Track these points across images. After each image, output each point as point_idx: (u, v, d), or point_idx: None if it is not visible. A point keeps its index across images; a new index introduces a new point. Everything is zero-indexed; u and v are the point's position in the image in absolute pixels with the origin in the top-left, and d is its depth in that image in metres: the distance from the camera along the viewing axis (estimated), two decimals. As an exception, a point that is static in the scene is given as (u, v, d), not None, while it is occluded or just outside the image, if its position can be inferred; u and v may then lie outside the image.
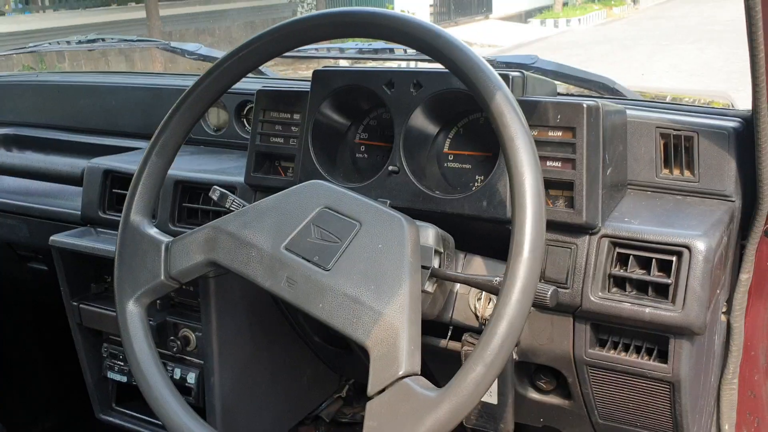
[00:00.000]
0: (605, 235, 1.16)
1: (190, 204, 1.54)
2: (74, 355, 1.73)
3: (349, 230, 1.06)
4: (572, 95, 1.55)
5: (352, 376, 1.92)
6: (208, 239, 1.14)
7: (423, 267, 1.06)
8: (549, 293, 1.01)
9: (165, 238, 1.17)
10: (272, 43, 1.12)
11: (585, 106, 1.14)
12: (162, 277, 1.15)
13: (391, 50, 1.73)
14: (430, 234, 1.11)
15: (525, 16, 19.52)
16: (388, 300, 0.98)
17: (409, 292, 0.98)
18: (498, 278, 1.01)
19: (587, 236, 1.17)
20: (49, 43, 2.10)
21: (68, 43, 2.13)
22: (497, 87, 0.95)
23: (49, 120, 2.05)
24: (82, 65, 10.28)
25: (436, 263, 1.12)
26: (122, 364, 1.64)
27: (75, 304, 1.64)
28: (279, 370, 1.65)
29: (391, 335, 0.95)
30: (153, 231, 1.18)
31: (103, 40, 2.04)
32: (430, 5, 16.79)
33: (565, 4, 20.44)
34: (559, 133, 1.16)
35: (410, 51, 1.72)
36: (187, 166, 1.57)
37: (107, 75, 2.23)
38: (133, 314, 1.15)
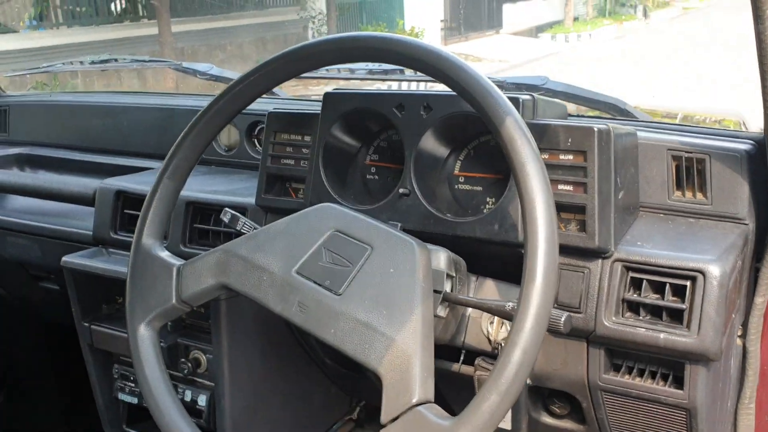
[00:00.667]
0: (618, 259, 1.15)
1: (202, 225, 1.54)
2: (85, 375, 1.73)
3: (360, 254, 1.05)
4: (583, 116, 1.54)
5: (363, 398, 1.91)
6: (219, 263, 1.14)
7: (435, 291, 1.06)
8: (563, 319, 1.00)
9: (176, 262, 1.17)
10: (284, 67, 1.13)
11: (596, 129, 1.14)
12: (173, 301, 1.15)
13: (402, 71, 1.74)
14: (441, 258, 1.11)
15: (536, 31, 19.54)
16: (401, 326, 0.97)
17: (422, 318, 0.98)
18: (511, 303, 1.01)
19: (600, 260, 1.16)
20: (63, 63, 2.12)
21: (81, 63, 2.15)
22: (507, 112, 0.95)
23: (62, 140, 2.07)
24: (94, 81, 10.35)
25: (448, 287, 1.11)
26: (133, 385, 1.64)
27: (86, 325, 1.64)
28: (290, 392, 1.65)
29: (404, 362, 0.95)
30: (164, 254, 1.18)
31: (115, 60, 2.05)
32: (441, 20, 16.83)
33: (575, 19, 20.45)
34: (570, 157, 1.16)
35: (420, 74, 1.72)
36: (199, 187, 1.58)
37: (120, 95, 2.24)
38: (145, 338, 1.15)
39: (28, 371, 2.28)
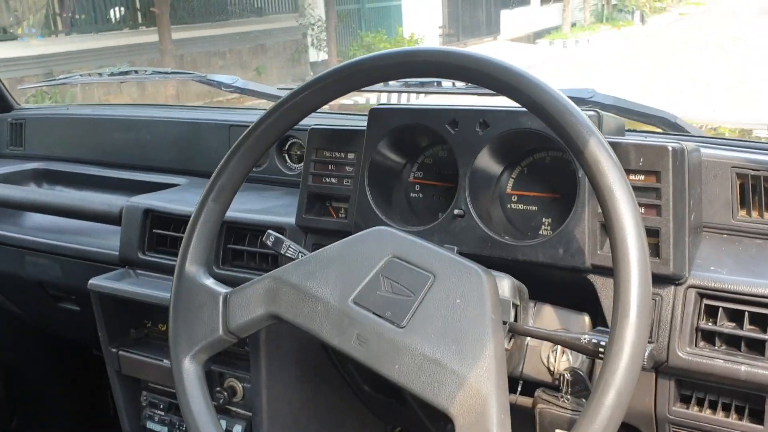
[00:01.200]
0: (692, 286, 1.09)
1: (236, 246, 1.48)
2: (106, 400, 1.66)
3: (422, 283, 0.99)
4: (635, 131, 1.48)
5: (399, 425, 1.84)
6: (268, 291, 1.07)
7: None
8: (646, 354, 0.93)
9: (223, 290, 1.10)
10: (343, 81, 1.05)
11: (670, 149, 1.07)
12: (220, 332, 1.08)
13: (439, 83, 1.67)
14: (506, 285, 1.04)
15: (533, 37, 19.51)
16: (472, 362, 0.90)
17: (494, 353, 0.91)
18: (587, 336, 0.95)
19: (673, 287, 1.09)
20: (80, 75, 2.06)
21: (100, 75, 2.08)
22: (590, 132, 0.88)
23: (81, 154, 2.00)
24: (94, 90, 10.27)
25: (512, 316, 1.05)
26: (162, 413, 1.56)
27: (114, 350, 1.57)
28: (325, 419, 1.58)
29: (479, 403, 0.88)
30: (210, 282, 1.11)
31: (135, 72, 1.98)
32: (440, 27, 16.79)
33: (573, 25, 20.43)
34: (642, 177, 1.09)
35: (459, 85, 1.66)
36: (232, 205, 1.51)
37: (140, 108, 2.18)
38: (190, 373, 1.08)
39: (44, 395, 2.20)
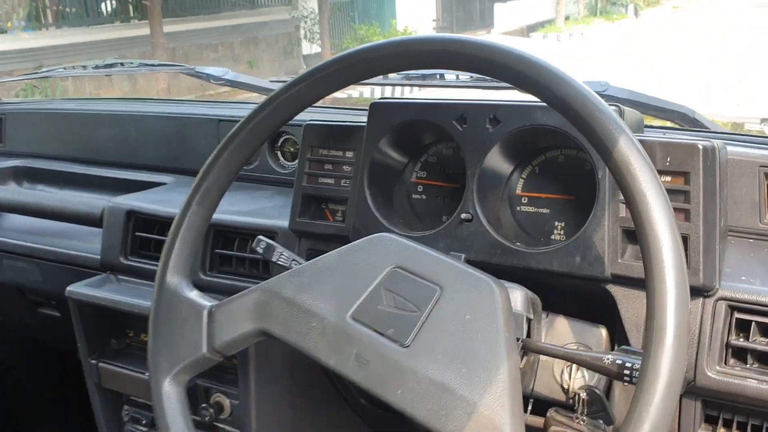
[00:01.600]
0: (722, 298, 0.99)
1: (224, 250, 1.38)
2: (89, 409, 1.55)
3: (428, 296, 0.89)
4: (651, 127, 1.38)
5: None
6: (258, 304, 0.97)
7: None
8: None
9: (207, 303, 1.00)
10: (346, 71, 0.95)
11: (701, 147, 0.98)
12: (204, 350, 0.98)
13: (442, 76, 1.57)
14: (519, 297, 0.95)
15: (527, 30, 19.41)
16: (485, 387, 0.81)
17: (509, 377, 0.82)
18: (609, 357, 0.85)
19: (701, 299, 1.00)
20: (64, 68, 1.95)
21: (84, 68, 1.97)
22: (620, 129, 0.79)
23: (64, 151, 1.89)
24: (85, 84, 10.13)
25: (525, 332, 0.95)
26: (145, 429, 1.46)
27: (93, 362, 1.46)
28: (320, 434, 1.48)
29: None
30: (193, 294, 1.01)
31: (121, 64, 1.88)
32: (434, 20, 16.69)
33: (567, 18, 20.33)
34: (668, 179, 1.00)
35: (463, 77, 1.56)
36: (219, 206, 1.41)
37: (127, 102, 2.07)
38: (170, 396, 0.98)
39: (26, 403, 2.10)
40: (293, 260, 1.11)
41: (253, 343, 1.00)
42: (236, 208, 1.41)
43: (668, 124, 1.49)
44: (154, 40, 10.07)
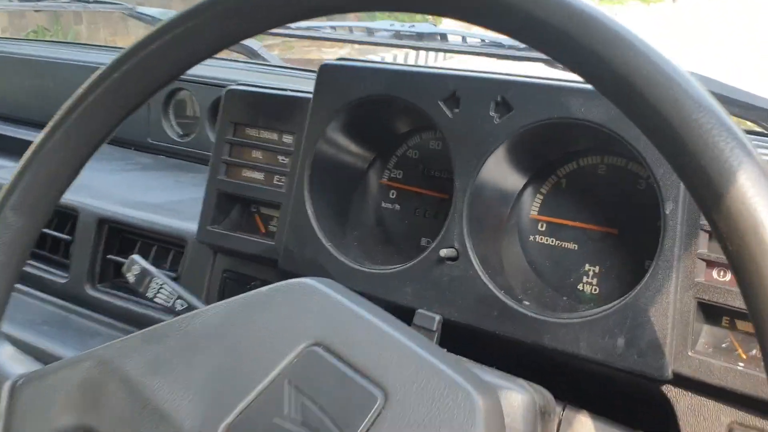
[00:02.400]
0: None
1: (120, 257, 0.99)
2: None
3: (362, 408, 0.49)
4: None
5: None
6: (86, 384, 0.58)
7: None
8: None
9: (12, 370, 0.61)
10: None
11: None
12: None
13: (444, 36, 1.16)
14: (519, 411, 0.56)
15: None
16: None
17: None
18: None
19: None
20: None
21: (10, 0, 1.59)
22: (746, 153, 0.38)
23: None
24: (100, 29, 9.74)
25: None
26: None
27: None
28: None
29: None
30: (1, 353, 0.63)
31: (48, -2, 1.49)
32: None
33: (602, -1, 19.72)
34: None
35: (471, 41, 1.15)
36: (123, 194, 1.03)
37: (51, 46, 1.68)
38: None
39: None
40: (177, 299, 0.72)
41: None
42: (146, 198, 1.03)
43: (748, 125, 1.08)
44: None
